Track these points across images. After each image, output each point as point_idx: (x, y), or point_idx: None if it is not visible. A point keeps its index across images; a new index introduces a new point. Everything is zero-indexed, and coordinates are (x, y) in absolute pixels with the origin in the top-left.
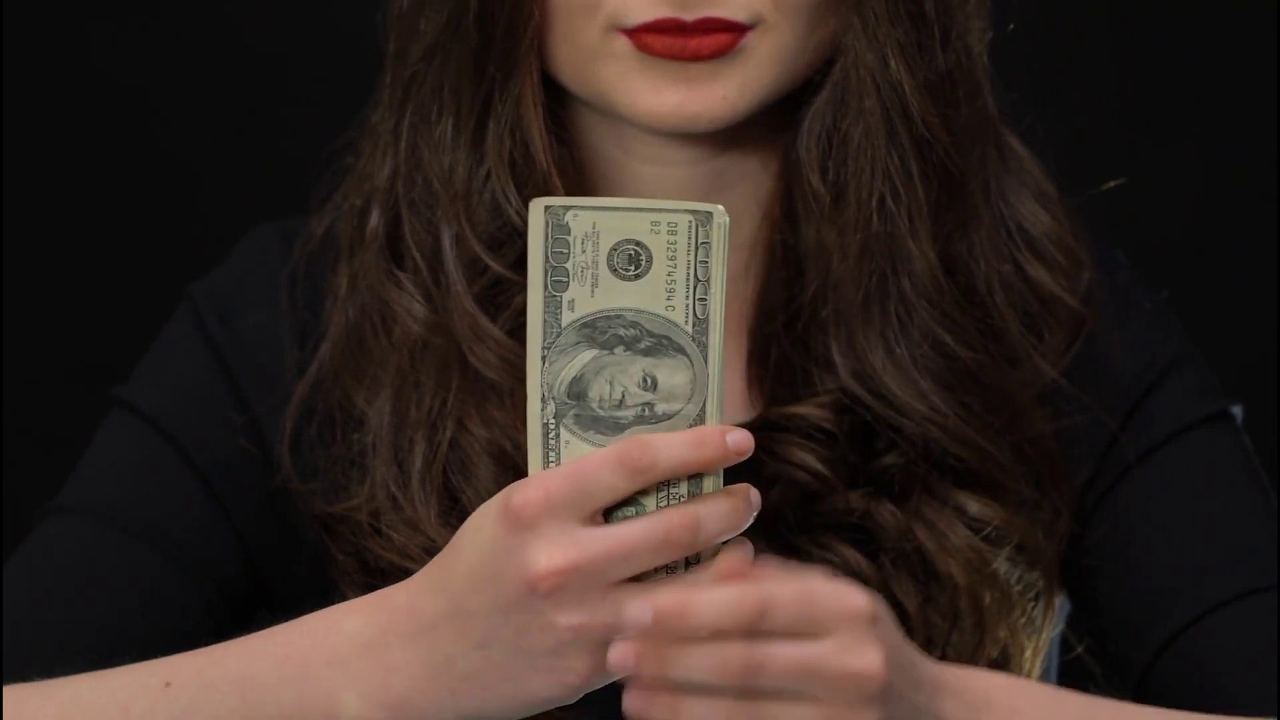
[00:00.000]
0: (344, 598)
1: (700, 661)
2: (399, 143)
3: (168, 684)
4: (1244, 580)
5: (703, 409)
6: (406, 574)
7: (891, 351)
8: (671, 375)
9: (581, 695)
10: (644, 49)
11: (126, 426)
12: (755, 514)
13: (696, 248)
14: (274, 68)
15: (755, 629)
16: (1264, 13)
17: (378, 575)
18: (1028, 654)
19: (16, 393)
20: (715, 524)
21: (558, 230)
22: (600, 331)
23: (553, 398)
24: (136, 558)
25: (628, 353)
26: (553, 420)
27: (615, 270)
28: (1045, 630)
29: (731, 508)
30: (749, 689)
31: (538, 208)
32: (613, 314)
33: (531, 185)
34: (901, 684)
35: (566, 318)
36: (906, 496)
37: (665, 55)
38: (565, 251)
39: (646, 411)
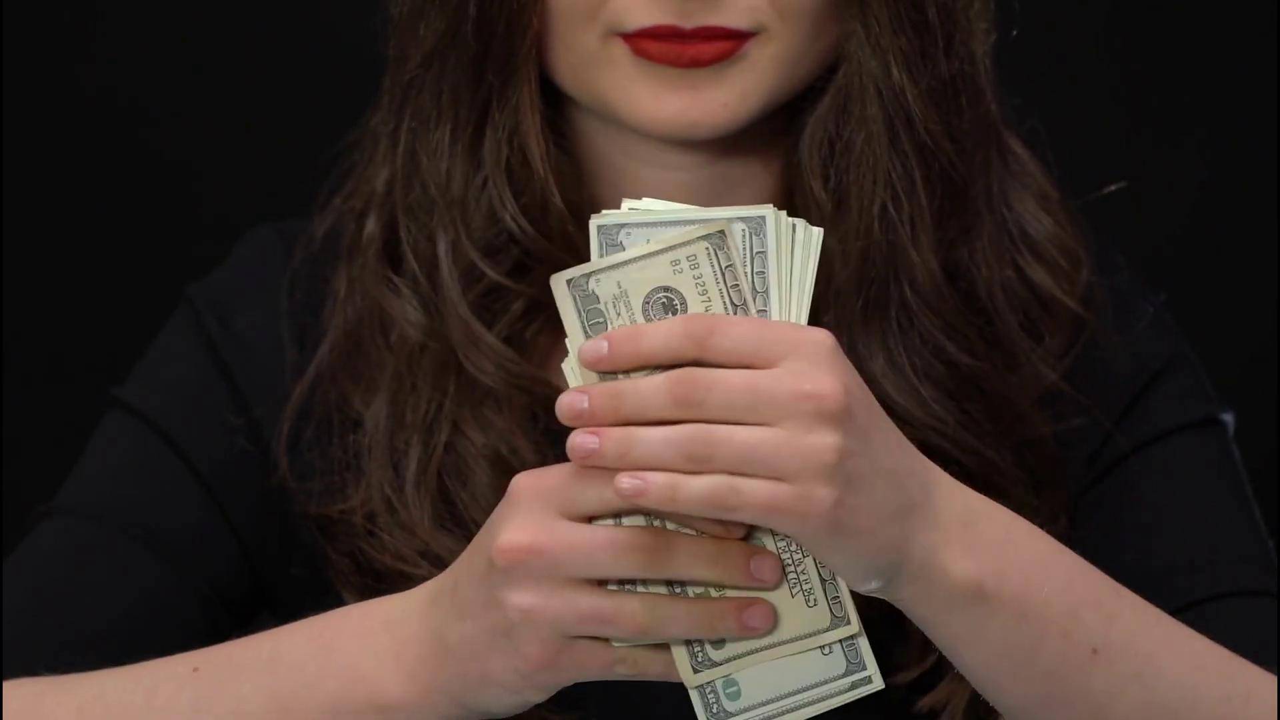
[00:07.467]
0: (340, 599)
1: (650, 391)
2: (397, 148)
3: (195, 669)
4: (1210, 586)
5: None
6: (402, 576)
7: (892, 358)
8: None
9: (543, 694)
10: (642, 54)
11: (124, 427)
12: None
13: (722, 272)
14: (275, 69)
15: (704, 356)
16: (1264, 13)
17: (373, 577)
18: None
19: (16, 393)
20: (687, 560)
21: (587, 301)
22: None
23: None
24: (133, 559)
25: None
26: None
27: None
28: None
29: (713, 556)
30: (700, 415)
31: (559, 282)
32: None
33: (529, 192)
34: (865, 418)
35: None
36: None
37: (663, 61)
38: (602, 321)
39: None
